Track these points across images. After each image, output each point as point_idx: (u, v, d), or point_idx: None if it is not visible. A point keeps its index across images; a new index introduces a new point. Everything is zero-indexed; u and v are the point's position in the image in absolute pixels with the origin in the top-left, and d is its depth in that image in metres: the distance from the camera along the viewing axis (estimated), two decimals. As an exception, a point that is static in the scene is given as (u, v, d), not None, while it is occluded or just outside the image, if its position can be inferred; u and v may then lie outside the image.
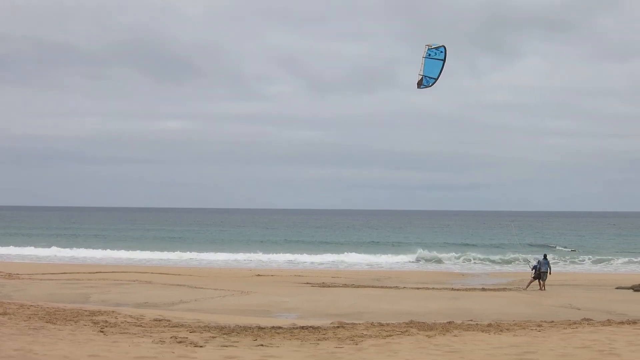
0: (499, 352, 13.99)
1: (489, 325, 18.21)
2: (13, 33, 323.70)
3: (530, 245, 79.75)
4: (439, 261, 59.23)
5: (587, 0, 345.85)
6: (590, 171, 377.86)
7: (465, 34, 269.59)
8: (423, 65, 17.82)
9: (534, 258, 37.56)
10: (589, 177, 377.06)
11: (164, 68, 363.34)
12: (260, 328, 17.18)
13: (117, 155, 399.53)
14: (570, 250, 73.74)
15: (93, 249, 66.54)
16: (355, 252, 63.37)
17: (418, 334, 16.41)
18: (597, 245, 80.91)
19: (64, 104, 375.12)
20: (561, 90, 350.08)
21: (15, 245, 67.23)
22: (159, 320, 18.32)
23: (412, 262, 58.79)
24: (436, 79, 17.88)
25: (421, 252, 63.40)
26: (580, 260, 60.32)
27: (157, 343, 14.41)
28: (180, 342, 14.63)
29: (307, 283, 35.83)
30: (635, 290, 32.31)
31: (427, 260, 60.01)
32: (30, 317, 17.86)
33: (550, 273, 33.35)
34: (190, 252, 63.93)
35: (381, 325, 18.12)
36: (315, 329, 17.18)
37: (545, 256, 34.38)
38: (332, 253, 62.93)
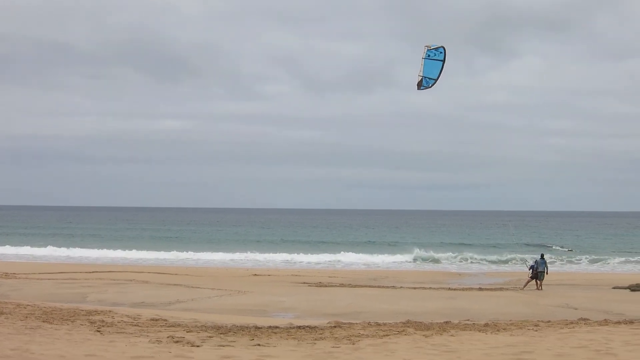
0: (496, 351, 13.99)
1: (486, 325, 18.23)
2: (12, 33, 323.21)
3: (527, 245, 79.90)
4: (436, 261, 59.24)
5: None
6: (588, 171, 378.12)
7: (464, 34, 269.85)
8: (423, 66, 17.83)
9: (531, 258, 37.60)
10: (587, 177, 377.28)
11: (162, 68, 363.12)
12: (257, 328, 17.18)
13: (116, 155, 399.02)
14: (567, 250, 73.84)
15: (89, 248, 66.51)
16: (352, 252, 63.40)
17: (415, 333, 16.41)
18: (593, 245, 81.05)
19: (62, 104, 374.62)
20: (559, 90, 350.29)
21: (12, 245, 67.18)
22: (156, 320, 18.31)
23: (409, 261, 58.83)
24: (436, 80, 17.89)
25: (418, 251, 63.40)
26: (577, 260, 60.41)
27: (153, 343, 14.40)
28: (177, 341, 14.62)
29: (304, 283, 35.83)
30: (633, 290, 32.36)
31: (424, 260, 60.04)
32: (27, 317, 17.84)
33: (547, 273, 33.40)
34: (187, 251, 63.94)
35: (378, 325, 18.13)
36: (312, 328, 17.18)
37: (542, 256, 34.40)
38: (329, 253, 62.91)
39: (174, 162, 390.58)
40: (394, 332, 16.54)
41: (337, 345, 14.61)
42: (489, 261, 58.53)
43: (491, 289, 33.20)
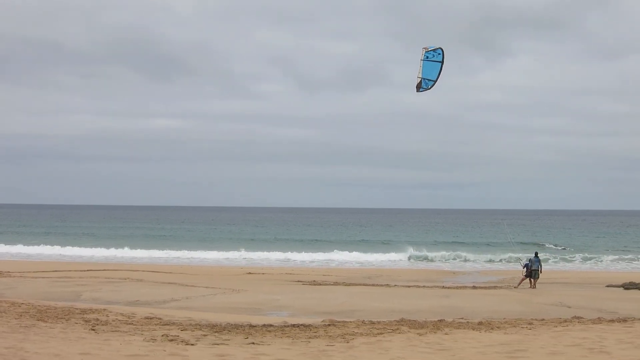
0: (490, 350, 14.03)
1: (480, 323, 18.27)
2: (5, 32, 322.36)
3: (521, 243, 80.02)
4: (430, 259, 59.37)
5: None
6: (581, 170, 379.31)
7: (457, 33, 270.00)
8: (421, 68, 17.84)
9: (525, 256, 37.69)
10: (579, 175, 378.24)
11: (157, 67, 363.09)
12: (251, 326, 17.19)
13: (110, 154, 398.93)
14: (560, 248, 74.07)
15: (83, 247, 66.42)
16: (346, 250, 63.49)
17: (409, 332, 16.45)
18: (587, 244, 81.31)
19: (56, 103, 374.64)
20: (551, 88, 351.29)
21: (5, 243, 67.03)
22: (150, 319, 18.30)
23: (403, 260, 58.90)
24: (435, 81, 17.91)
25: (412, 250, 63.54)
26: (570, 258, 60.62)
27: (148, 341, 14.39)
28: (171, 340, 14.62)
29: (298, 281, 35.83)
30: (626, 288, 32.47)
31: (418, 258, 60.15)
32: (21, 315, 17.81)
33: (541, 271, 33.44)
34: (181, 250, 63.91)
35: (372, 323, 18.15)
36: (306, 327, 17.20)
37: (536, 254, 34.48)
38: (323, 251, 63.02)
39: (167, 161, 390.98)
40: (388, 331, 16.57)
41: (332, 344, 14.63)
42: (483, 260, 58.68)
43: (485, 288, 33.26)
